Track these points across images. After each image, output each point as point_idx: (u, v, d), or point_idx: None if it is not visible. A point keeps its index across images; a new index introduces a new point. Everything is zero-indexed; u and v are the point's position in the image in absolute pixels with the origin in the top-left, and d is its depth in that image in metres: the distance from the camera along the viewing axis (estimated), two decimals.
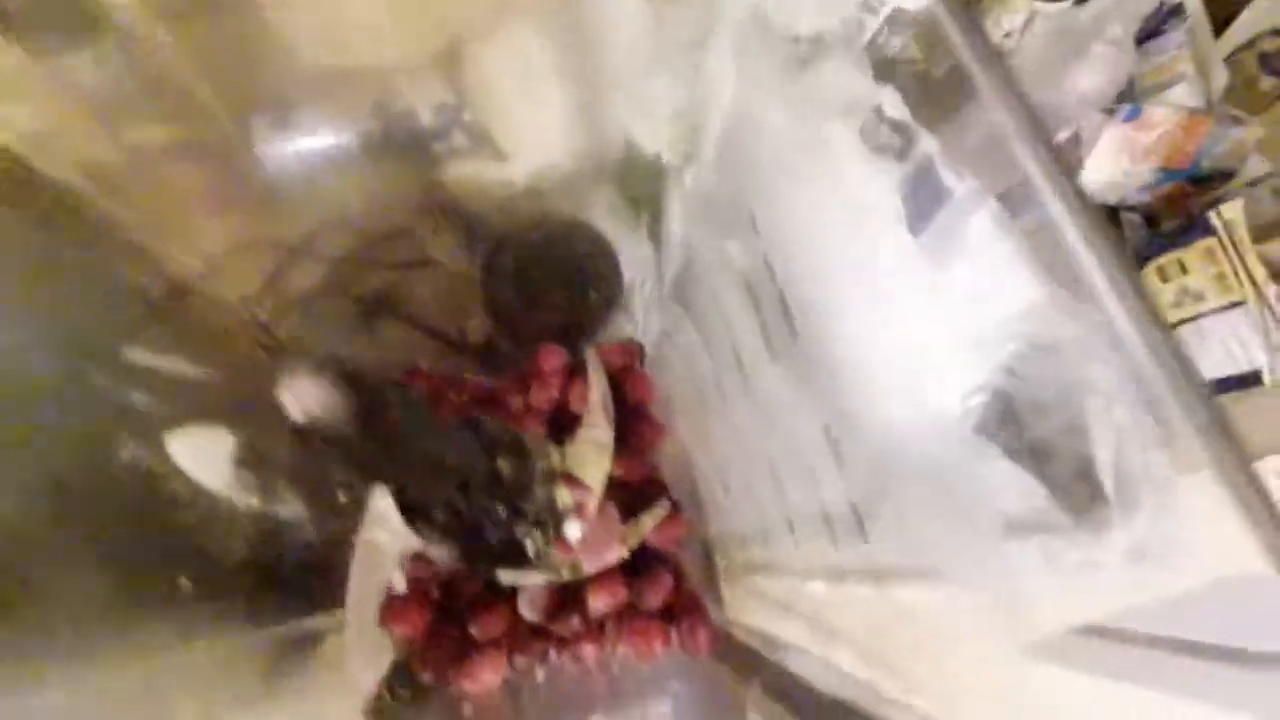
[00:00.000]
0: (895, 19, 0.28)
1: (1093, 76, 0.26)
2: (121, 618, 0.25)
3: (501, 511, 0.22)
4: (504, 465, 0.22)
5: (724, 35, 0.31)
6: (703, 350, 0.39)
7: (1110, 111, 0.30)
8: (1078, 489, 0.24)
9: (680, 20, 0.32)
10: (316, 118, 0.39)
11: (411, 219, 0.44)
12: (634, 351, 0.41)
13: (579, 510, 0.32)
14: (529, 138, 0.40)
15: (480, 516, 0.22)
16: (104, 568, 0.25)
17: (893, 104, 0.30)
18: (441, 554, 0.30)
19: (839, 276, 0.30)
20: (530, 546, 0.31)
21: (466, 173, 0.42)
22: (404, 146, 0.42)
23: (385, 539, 0.27)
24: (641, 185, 0.38)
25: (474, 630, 0.36)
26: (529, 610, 0.37)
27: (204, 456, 0.30)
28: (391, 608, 0.34)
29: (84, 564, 0.24)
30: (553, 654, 0.38)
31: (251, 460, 0.33)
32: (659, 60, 0.34)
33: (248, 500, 0.32)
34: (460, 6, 0.34)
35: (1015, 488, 0.26)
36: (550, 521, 0.31)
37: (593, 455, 0.34)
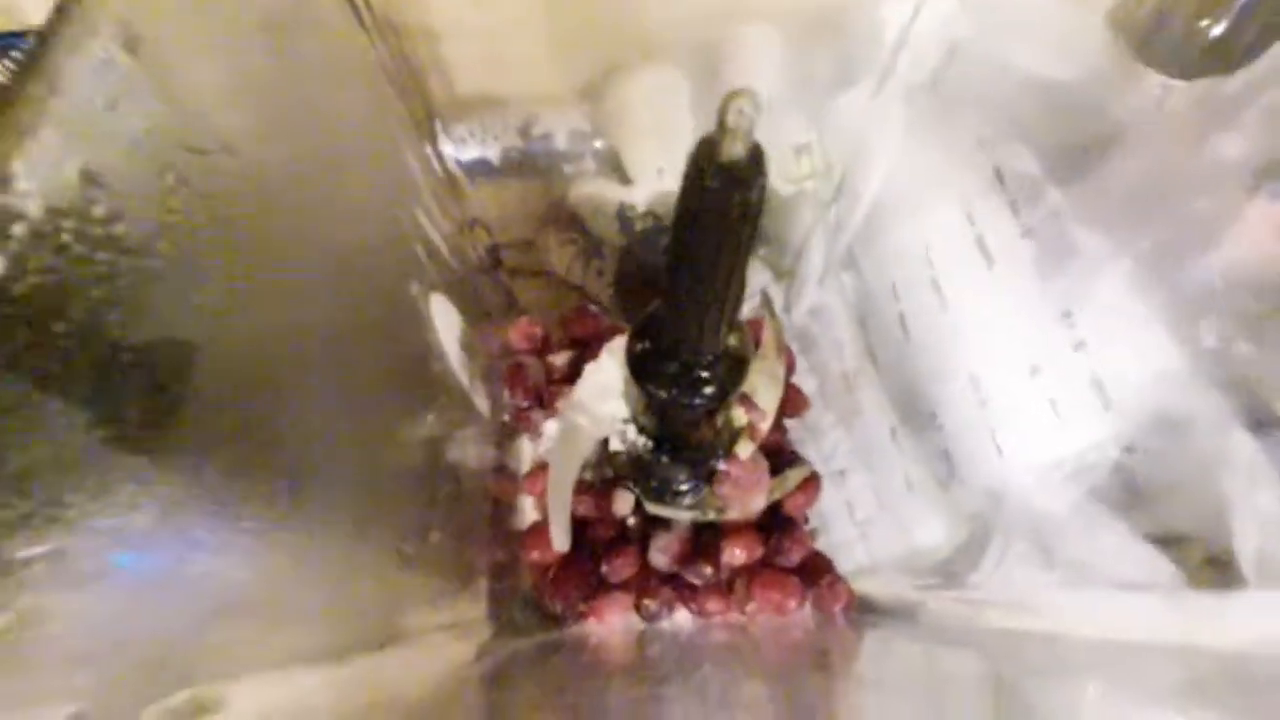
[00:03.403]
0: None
1: (1241, 145, 0.25)
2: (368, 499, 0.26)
3: (715, 387, 0.23)
4: (733, 339, 0.24)
5: (889, 81, 0.33)
6: (808, 376, 0.40)
7: (1252, 191, 0.29)
8: (1211, 568, 0.23)
9: (823, 62, 0.34)
10: (469, 132, 0.43)
11: (535, 232, 0.47)
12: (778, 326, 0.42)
13: (752, 432, 0.32)
14: (654, 164, 0.43)
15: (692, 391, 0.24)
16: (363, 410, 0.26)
17: (1023, 159, 0.30)
18: (629, 446, 0.30)
19: (959, 314, 0.29)
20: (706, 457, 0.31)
21: (591, 193, 0.45)
22: (538, 166, 0.45)
23: (585, 422, 0.29)
24: (766, 218, 0.39)
25: (605, 570, 0.38)
26: (660, 557, 0.38)
27: (447, 321, 0.35)
28: (532, 535, 0.37)
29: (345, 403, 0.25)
30: (679, 604, 0.39)
31: (470, 349, 0.38)
32: (796, 99, 0.36)
33: (463, 380, 0.37)
34: (610, 48, 0.37)
35: (1134, 559, 0.24)
36: (727, 435, 0.31)
37: (766, 383, 0.34)
